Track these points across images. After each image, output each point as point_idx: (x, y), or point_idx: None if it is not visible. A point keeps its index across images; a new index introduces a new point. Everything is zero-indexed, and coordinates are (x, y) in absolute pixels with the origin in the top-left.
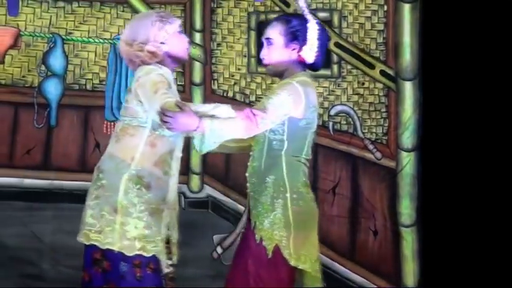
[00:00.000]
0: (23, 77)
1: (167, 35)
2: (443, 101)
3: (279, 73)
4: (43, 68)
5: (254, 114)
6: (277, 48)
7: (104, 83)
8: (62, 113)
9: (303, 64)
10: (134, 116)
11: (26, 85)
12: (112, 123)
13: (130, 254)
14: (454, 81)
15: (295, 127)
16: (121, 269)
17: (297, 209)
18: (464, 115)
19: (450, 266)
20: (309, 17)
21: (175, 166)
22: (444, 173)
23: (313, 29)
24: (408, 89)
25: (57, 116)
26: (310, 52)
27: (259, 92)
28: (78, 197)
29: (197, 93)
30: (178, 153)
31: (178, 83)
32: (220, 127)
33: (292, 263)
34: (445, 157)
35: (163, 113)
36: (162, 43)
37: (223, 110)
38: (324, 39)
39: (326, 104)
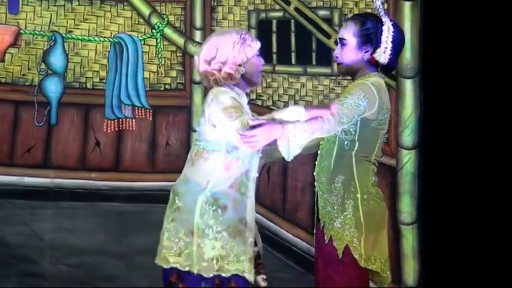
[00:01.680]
0: (23, 75)
1: (246, 59)
2: (444, 99)
3: (352, 73)
4: (43, 66)
5: (332, 114)
6: (350, 49)
7: (104, 81)
8: (62, 112)
9: (375, 65)
10: (208, 139)
11: (27, 83)
12: (112, 122)
13: (209, 275)
14: (455, 79)
15: (367, 128)
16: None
17: (368, 209)
18: (465, 113)
19: (451, 264)
20: (385, 18)
21: (252, 187)
22: (444, 171)
23: (387, 31)
24: (409, 87)
25: (58, 114)
26: (383, 54)
27: (259, 90)
28: (79, 195)
29: (197, 92)
30: (254, 174)
31: (178, 81)
32: (302, 130)
33: (362, 264)
34: (446, 155)
35: (243, 135)
36: (239, 65)
37: (296, 112)
38: (398, 41)
39: (326, 102)
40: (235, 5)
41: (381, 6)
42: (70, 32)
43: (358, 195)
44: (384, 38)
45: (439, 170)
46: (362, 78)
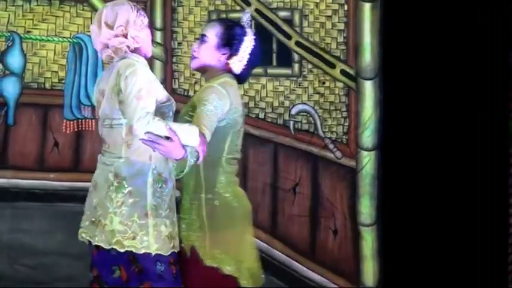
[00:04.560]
0: None
1: (143, 25)
2: (404, 101)
3: (204, 70)
4: (0, 66)
5: (203, 135)
6: (209, 48)
7: (63, 81)
8: (20, 112)
9: (229, 71)
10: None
11: None
12: (71, 122)
13: (167, 254)
14: (414, 81)
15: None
16: (158, 270)
17: (211, 209)
18: (424, 114)
19: (409, 265)
20: (249, 31)
21: None
22: (404, 172)
23: (248, 43)
24: (368, 89)
25: (15, 114)
26: (238, 63)
27: None
28: (36, 196)
29: None
30: None
31: None
32: (192, 149)
33: (208, 263)
34: (405, 156)
35: (152, 137)
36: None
37: (195, 136)
38: (255, 56)
39: (287, 103)
40: (195, 6)
41: (249, 19)
42: (28, 32)
43: (203, 195)
44: (243, 47)
45: (399, 172)
46: (211, 80)
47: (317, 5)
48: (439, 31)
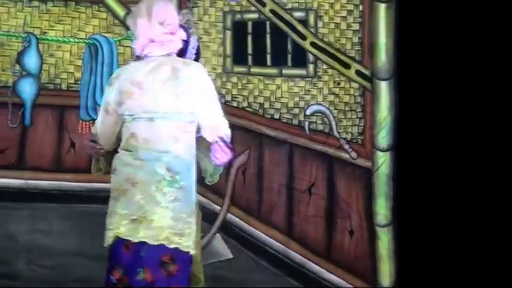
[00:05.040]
0: None
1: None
2: (419, 101)
3: None
4: (17, 67)
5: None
6: None
7: (79, 82)
8: (36, 113)
9: None
10: (190, 111)
11: (0, 85)
12: (87, 123)
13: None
14: (430, 81)
15: None
16: (188, 271)
17: None
18: (440, 115)
19: (426, 265)
20: (192, 31)
21: None
22: (419, 172)
23: (194, 43)
24: (384, 89)
25: (32, 115)
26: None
27: (234, 91)
28: (53, 197)
29: None
30: None
31: None
32: None
33: None
34: (421, 157)
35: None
36: None
37: None
38: (197, 55)
39: (302, 104)
40: (210, 7)
41: (192, 20)
42: (44, 33)
43: None
44: (190, 48)
45: (414, 172)
46: None
47: (332, 5)
48: (454, 31)
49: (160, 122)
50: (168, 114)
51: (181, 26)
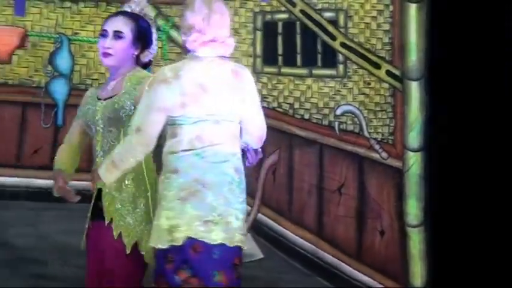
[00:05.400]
0: (30, 77)
1: None
2: (450, 101)
3: (118, 67)
4: (49, 68)
5: None
6: (126, 44)
7: None
8: (69, 113)
9: (136, 63)
10: (242, 113)
11: (33, 85)
12: None
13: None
14: (461, 81)
15: None
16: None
17: (149, 205)
18: (471, 115)
19: (457, 265)
20: (150, 21)
21: None
22: (451, 172)
23: (155, 34)
24: (414, 89)
25: (64, 115)
26: (150, 55)
27: (264, 91)
28: (87, 197)
29: None
30: None
31: None
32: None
33: (147, 260)
34: (452, 157)
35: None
36: None
37: None
38: (156, 47)
39: (332, 104)
40: (240, 7)
41: (147, 9)
42: (76, 33)
43: (149, 194)
44: (153, 39)
45: (445, 172)
46: (132, 75)
47: (362, 5)
48: (485, 31)
49: (225, 124)
50: (231, 117)
51: (137, 15)
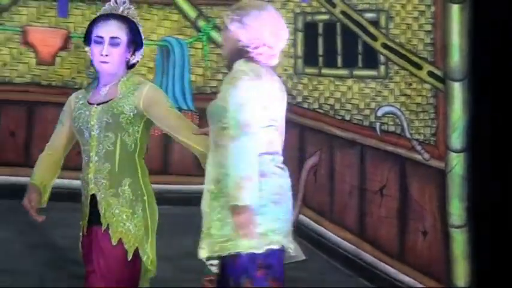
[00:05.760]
0: (73, 78)
1: None
2: (493, 102)
3: (112, 74)
4: (92, 69)
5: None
6: (122, 49)
7: None
8: None
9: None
10: None
11: (76, 86)
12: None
13: None
14: (504, 81)
15: (148, 129)
16: None
17: (151, 211)
18: None
19: (501, 265)
20: (136, 20)
21: None
22: (494, 173)
23: (142, 34)
24: (457, 90)
25: None
26: (139, 56)
27: (305, 93)
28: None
29: None
30: None
31: (214, 85)
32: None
33: (149, 266)
34: (495, 158)
35: None
36: None
37: None
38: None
39: (373, 105)
40: (281, 8)
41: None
42: None
43: (145, 198)
44: (142, 39)
45: (488, 173)
46: (132, 79)
47: (404, 6)
48: None
49: (281, 131)
50: (282, 124)
51: (126, 17)
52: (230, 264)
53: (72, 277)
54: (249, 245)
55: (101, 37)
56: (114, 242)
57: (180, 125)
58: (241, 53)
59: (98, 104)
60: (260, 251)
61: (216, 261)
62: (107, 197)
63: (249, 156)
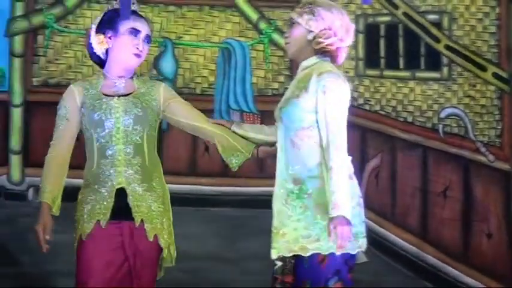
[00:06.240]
0: None
1: None
2: None
3: (130, 71)
4: (154, 72)
5: None
6: (148, 48)
7: (213, 86)
8: None
9: None
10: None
11: None
12: None
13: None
14: None
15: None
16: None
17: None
18: None
19: None
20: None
21: None
22: None
23: None
24: None
25: None
26: None
27: (367, 94)
28: (188, 201)
29: None
30: None
31: (286, 86)
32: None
33: (173, 263)
34: None
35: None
36: None
37: None
38: None
39: (436, 107)
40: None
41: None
42: (180, 37)
43: (168, 195)
44: None
45: None
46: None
47: (467, 8)
48: None
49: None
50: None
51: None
52: (312, 265)
53: None
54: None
55: (139, 31)
56: (150, 239)
57: (197, 113)
58: (311, 46)
59: (120, 96)
60: (353, 253)
61: (280, 263)
62: (140, 192)
63: (347, 171)
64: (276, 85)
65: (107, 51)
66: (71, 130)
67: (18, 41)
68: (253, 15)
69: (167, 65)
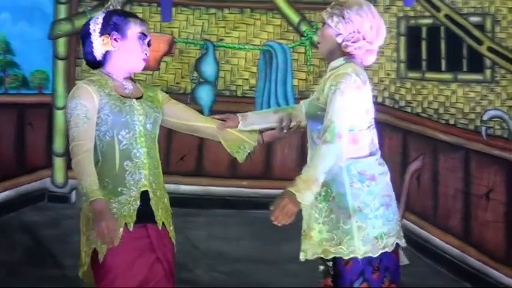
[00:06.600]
0: (177, 83)
1: None
2: None
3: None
4: (195, 74)
5: None
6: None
7: (254, 89)
8: None
9: None
10: None
11: (180, 92)
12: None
13: (376, 255)
14: None
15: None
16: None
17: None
18: None
19: None
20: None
21: None
22: None
23: None
24: None
25: None
26: None
27: (408, 97)
28: (230, 203)
29: None
30: None
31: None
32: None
33: None
34: None
35: None
36: None
37: None
38: None
39: (478, 109)
40: (384, 12)
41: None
42: (221, 40)
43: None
44: None
45: None
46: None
47: (510, 10)
48: None
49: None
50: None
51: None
52: (339, 268)
53: (176, 281)
54: (365, 249)
55: (146, 36)
56: (173, 239)
57: (194, 113)
58: (339, 48)
59: (135, 99)
60: (376, 255)
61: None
62: (158, 194)
63: (329, 164)
64: (317, 87)
65: (106, 52)
66: (92, 129)
67: (61, 44)
68: (295, 18)
69: (208, 68)
